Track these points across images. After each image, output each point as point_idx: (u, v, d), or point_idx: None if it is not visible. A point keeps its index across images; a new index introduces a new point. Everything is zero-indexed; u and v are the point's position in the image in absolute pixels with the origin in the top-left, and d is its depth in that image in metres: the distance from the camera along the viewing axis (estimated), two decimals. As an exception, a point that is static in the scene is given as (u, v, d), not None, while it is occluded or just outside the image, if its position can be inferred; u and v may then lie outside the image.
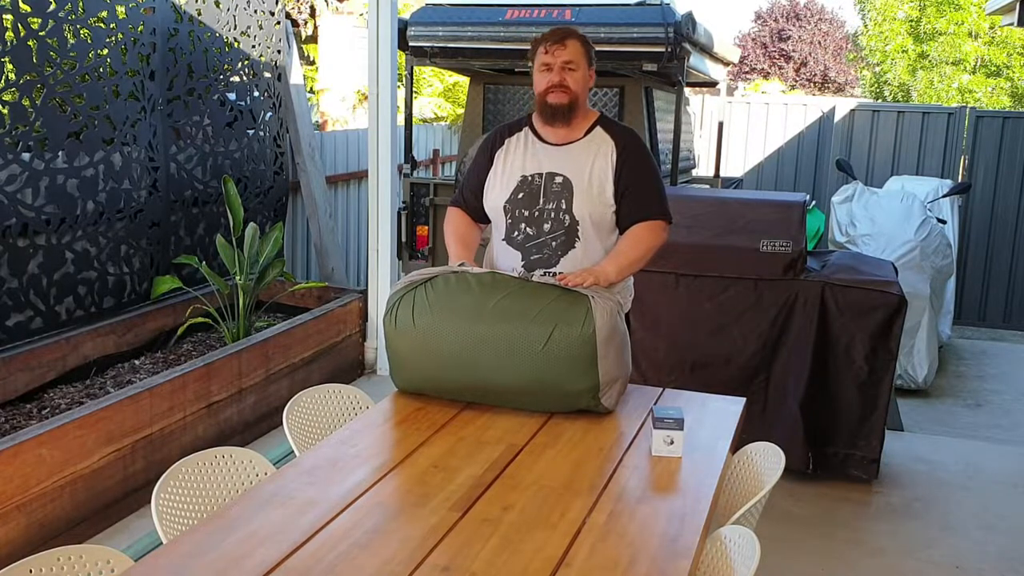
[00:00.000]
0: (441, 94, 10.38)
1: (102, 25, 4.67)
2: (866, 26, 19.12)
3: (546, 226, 2.82)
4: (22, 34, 4.15)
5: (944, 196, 7.15)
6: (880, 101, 17.42)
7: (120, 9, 4.78)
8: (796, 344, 4.10)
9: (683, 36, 5.30)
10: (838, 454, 4.13)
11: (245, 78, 5.87)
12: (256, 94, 6.00)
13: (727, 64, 7.35)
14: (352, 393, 2.88)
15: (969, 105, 11.07)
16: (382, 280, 5.53)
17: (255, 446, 4.34)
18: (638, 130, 4.43)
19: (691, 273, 4.21)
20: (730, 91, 12.32)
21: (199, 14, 5.40)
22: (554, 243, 2.81)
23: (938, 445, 4.79)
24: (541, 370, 2.53)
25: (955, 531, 3.79)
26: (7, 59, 4.09)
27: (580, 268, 2.79)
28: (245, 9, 5.82)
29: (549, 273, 2.79)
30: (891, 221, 6.32)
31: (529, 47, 2.91)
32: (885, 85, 18.12)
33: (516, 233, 2.86)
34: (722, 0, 31.96)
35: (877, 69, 18.55)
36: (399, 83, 6.57)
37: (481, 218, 3.02)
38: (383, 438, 2.51)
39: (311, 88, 10.60)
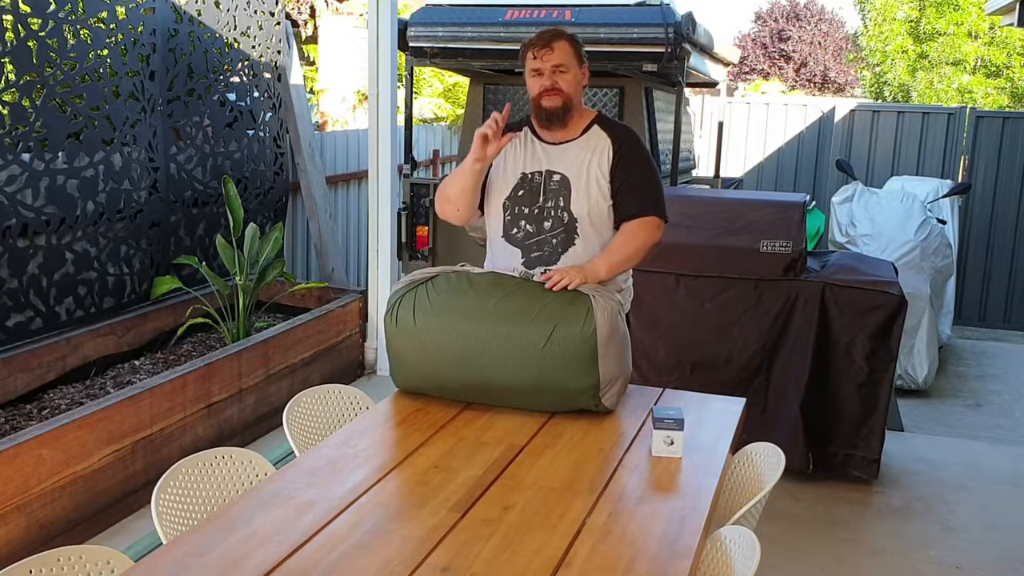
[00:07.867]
0: (441, 94, 10.38)
1: (102, 26, 4.67)
2: (866, 26, 19.12)
3: (546, 224, 2.82)
4: (22, 35, 4.15)
5: (944, 196, 7.15)
6: (880, 101, 17.42)
7: (120, 9, 4.78)
8: (796, 344, 4.10)
9: (683, 36, 5.30)
10: (838, 454, 4.13)
11: (245, 78, 5.87)
12: (256, 94, 6.00)
13: (727, 64, 7.35)
14: (352, 393, 2.88)
15: (969, 106, 11.05)
16: (382, 280, 5.53)
17: (255, 446, 4.34)
18: (638, 131, 4.41)
19: (691, 273, 4.20)
20: (730, 91, 12.34)
21: (199, 14, 5.40)
22: (554, 240, 2.81)
23: (938, 445, 4.79)
24: (541, 369, 2.53)
25: (955, 531, 3.79)
26: (7, 60, 4.09)
27: (580, 265, 2.79)
28: (245, 10, 5.82)
29: (548, 271, 2.79)
30: (891, 221, 6.32)
31: None
32: (885, 85, 18.12)
33: (516, 230, 2.85)
34: (722, 0, 31.97)
35: (877, 69, 18.55)
36: (399, 83, 6.57)
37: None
38: (383, 438, 2.51)
39: (311, 88, 10.60)
